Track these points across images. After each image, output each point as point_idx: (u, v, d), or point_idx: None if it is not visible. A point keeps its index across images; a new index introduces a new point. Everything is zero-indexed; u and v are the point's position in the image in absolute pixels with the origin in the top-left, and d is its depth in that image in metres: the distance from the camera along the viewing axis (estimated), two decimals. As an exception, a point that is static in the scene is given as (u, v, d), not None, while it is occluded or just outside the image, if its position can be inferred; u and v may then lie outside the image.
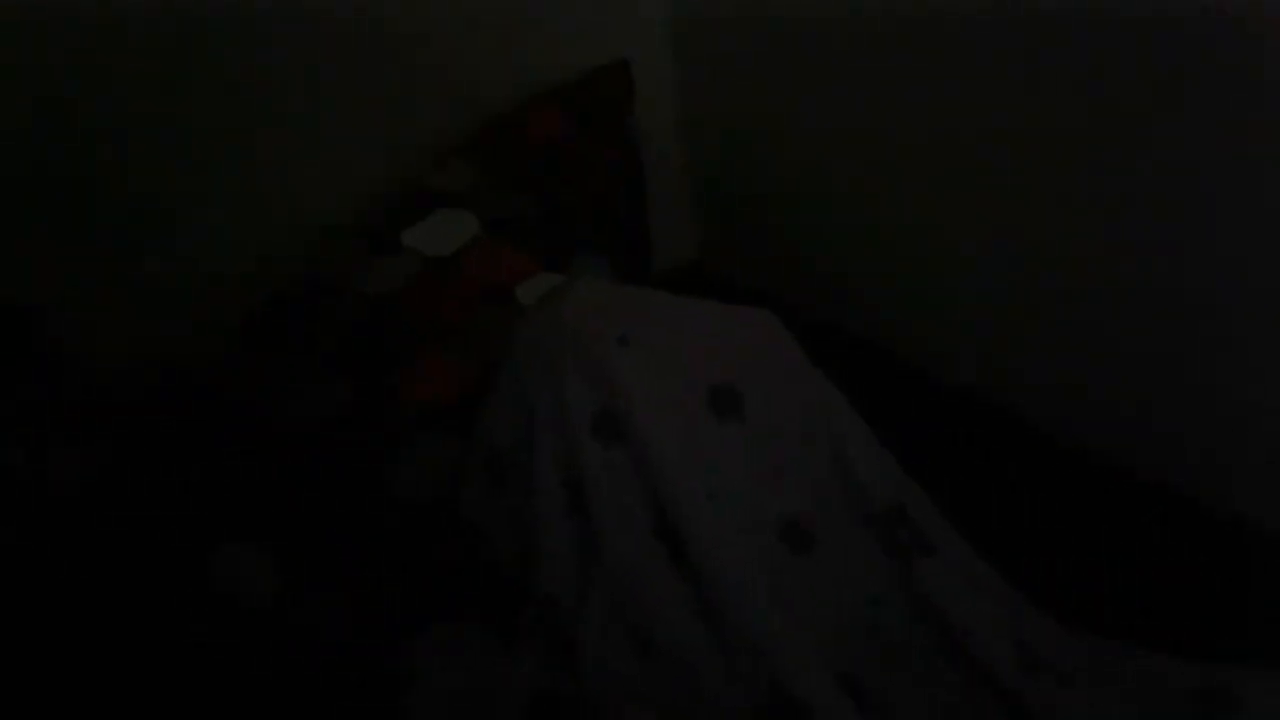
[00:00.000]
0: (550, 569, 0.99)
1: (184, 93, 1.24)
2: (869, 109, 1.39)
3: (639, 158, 1.47)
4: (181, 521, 1.03)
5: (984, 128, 1.25)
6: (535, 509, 1.00)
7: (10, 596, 1.00)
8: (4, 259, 1.18)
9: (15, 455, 1.10)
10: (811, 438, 1.02)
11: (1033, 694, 0.90)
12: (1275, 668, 0.92)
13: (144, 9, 1.15)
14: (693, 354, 1.03)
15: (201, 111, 1.25)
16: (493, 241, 1.23)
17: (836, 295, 1.53)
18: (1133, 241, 1.14)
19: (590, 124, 1.41)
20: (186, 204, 1.28)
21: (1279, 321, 1.05)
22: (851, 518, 1.00)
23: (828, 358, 1.09)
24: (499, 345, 1.11)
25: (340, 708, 0.99)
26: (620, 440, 0.98)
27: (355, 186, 1.39)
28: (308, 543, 1.02)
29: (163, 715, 0.97)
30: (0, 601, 0.99)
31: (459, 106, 1.43)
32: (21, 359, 1.18)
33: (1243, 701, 0.88)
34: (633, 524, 0.97)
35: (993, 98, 1.23)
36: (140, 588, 1.02)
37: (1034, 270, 1.26)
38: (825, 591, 0.97)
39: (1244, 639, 0.96)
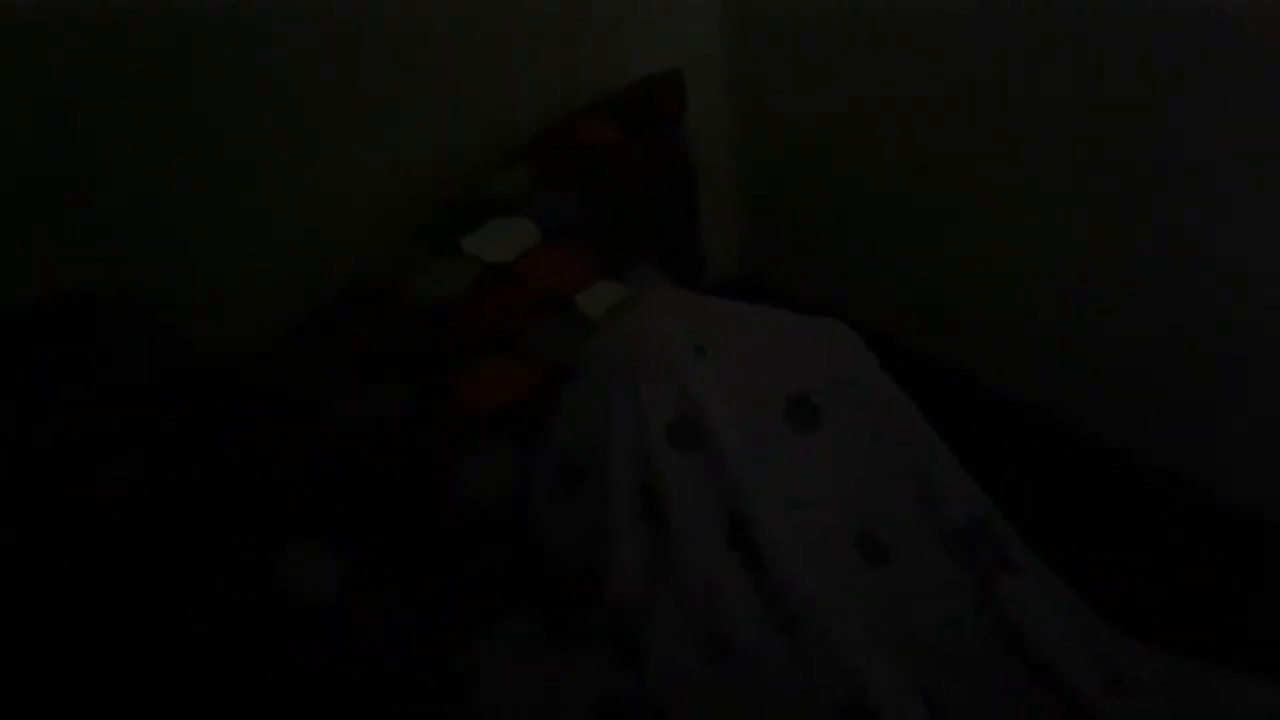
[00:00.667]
0: (620, 573, 0.99)
1: (242, 95, 1.25)
2: (925, 118, 1.39)
3: (691, 167, 1.48)
4: (245, 520, 1.05)
5: (1044, 138, 1.26)
6: (608, 513, 1.00)
7: (74, 592, 1.01)
8: (59, 252, 1.20)
9: (79, 451, 1.12)
10: (889, 451, 1.02)
11: (1119, 715, 0.89)
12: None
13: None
14: (769, 364, 1.04)
15: (260, 114, 1.27)
16: (551, 249, 1.24)
17: (890, 307, 1.53)
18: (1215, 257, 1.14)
19: (643, 132, 1.41)
20: (240, 205, 1.30)
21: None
22: (930, 532, 1.00)
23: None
24: (560, 352, 1.12)
25: (404, 707, 0.99)
26: (698, 448, 0.99)
27: (407, 190, 1.40)
28: (371, 543, 1.03)
29: (226, 713, 0.98)
30: (64, 598, 1.01)
31: (513, 114, 1.44)
32: (83, 353, 1.21)
33: None
34: (708, 531, 0.97)
35: (1053, 109, 1.23)
36: (203, 586, 1.03)
37: (1099, 283, 1.26)
38: (901, 604, 0.97)
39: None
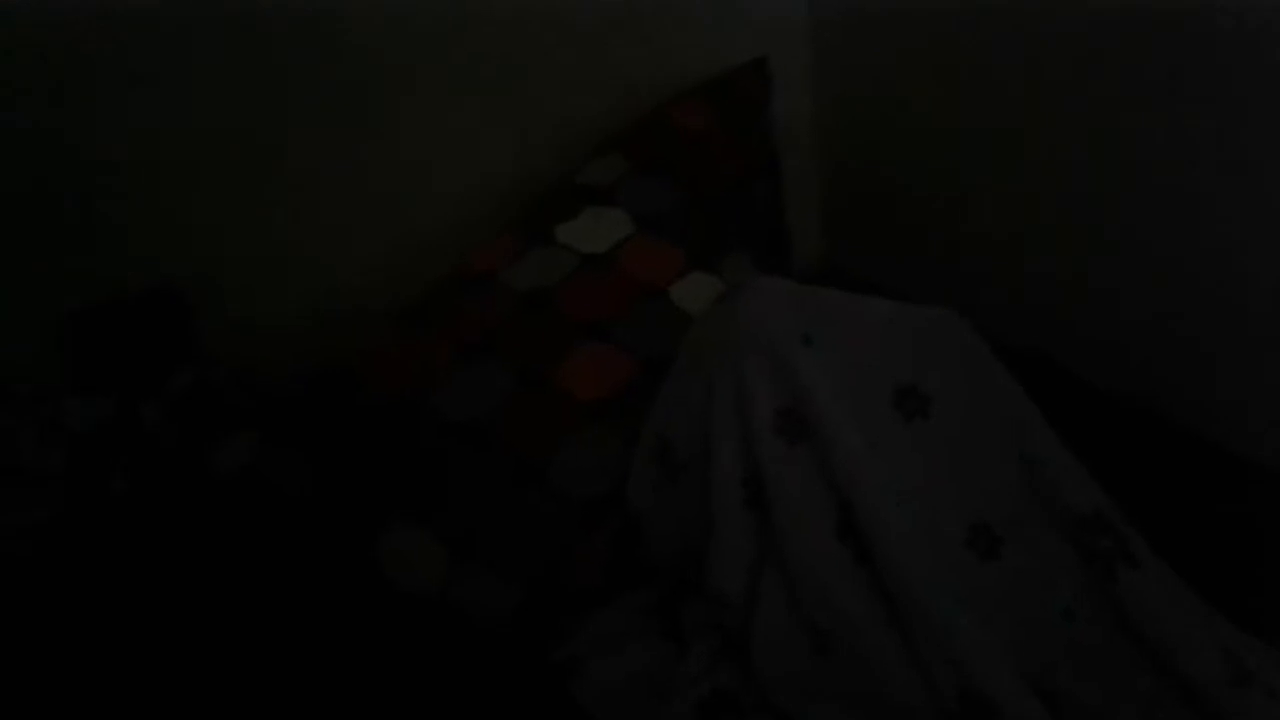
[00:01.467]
0: (722, 564, 0.99)
1: (335, 86, 1.28)
2: (1008, 103, 1.38)
3: (776, 154, 1.47)
4: (349, 506, 1.07)
5: (1122, 129, 1.24)
6: (712, 503, 1.00)
7: (181, 577, 1.04)
8: (163, 239, 1.22)
9: (184, 438, 1.15)
10: (1001, 440, 1.01)
11: (1247, 709, 0.88)
12: None
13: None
14: (877, 353, 1.03)
15: (351, 105, 1.29)
16: (645, 240, 1.24)
17: (973, 296, 1.51)
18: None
19: (731, 121, 1.41)
20: (327, 195, 1.32)
21: None
22: (1046, 523, 0.98)
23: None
24: (657, 343, 1.13)
25: (507, 695, 1.00)
26: (805, 438, 0.98)
27: (499, 181, 1.41)
28: (473, 529, 1.04)
29: (331, 696, 1.00)
30: (172, 582, 1.04)
31: (603, 104, 1.44)
32: (181, 342, 1.23)
33: None
34: (815, 522, 0.97)
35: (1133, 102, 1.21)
36: (309, 571, 1.06)
37: (1192, 271, 1.24)
38: (1016, 597, 0.95)
39: None
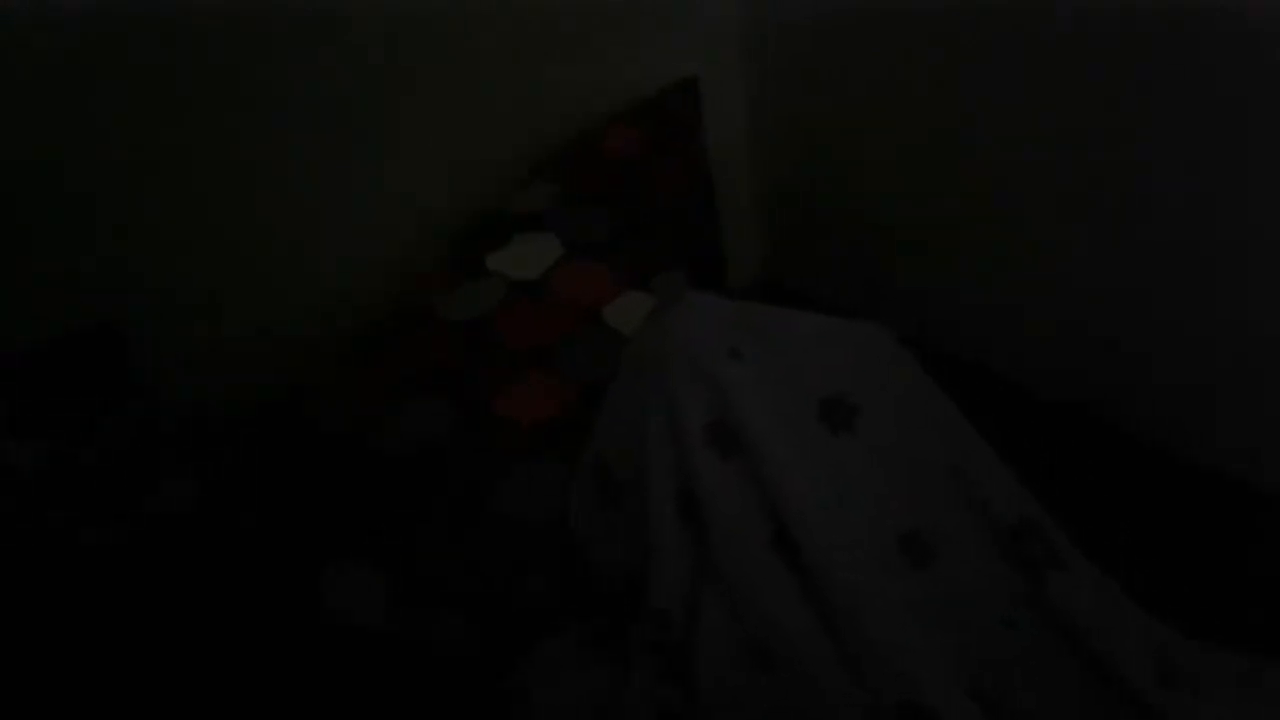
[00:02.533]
0: (662, 581, 0.99)
1: (251, 111, 1.23)
2: (942, 120, 1.40)
3: (709, 173, 1.49)
4: (290, 540, 1.06)
5: (1069, 137, 1.26)
6: (648, 521, 1.01)
7: (122, 613, 1.02)
8: (87, 277, 1.18)
9: (122, 476, 1.14)
10: (930, 451, 1.02)
11: (1175, 709, 0.89)
12: None
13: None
14: (804, 367, 1.04)
15: (280, 132, 1.26)
16: (577, 263, 1.25)
17: (915, 309, 1.53)
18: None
19: (662, 141, 1.42)
20: (258, 232, 1.29)
21: None
22: (976, 531, 1.00)
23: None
24: (593, 367, 1.14)
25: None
26: (736, 451, 0.99)
27: (428, 210, 1.40)
28: (416, 561, 1.04)
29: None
30: (112, 618, 1.02)
31: (529, 125, 1.45)
32: (118, 382, 1.22)
33: None
34: (749, 534, 0.97)
35: (1074, 109, 1.23)
36: (251, 605, 1.05)
37: (1123, 282, 1.26)
38: (950, 604, 0.96)
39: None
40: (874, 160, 1.53)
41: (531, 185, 1.34)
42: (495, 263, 1.24)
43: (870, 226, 1.57)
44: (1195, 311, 1.22)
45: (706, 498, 0.99)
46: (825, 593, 0.94)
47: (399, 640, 1.03)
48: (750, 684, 0.95)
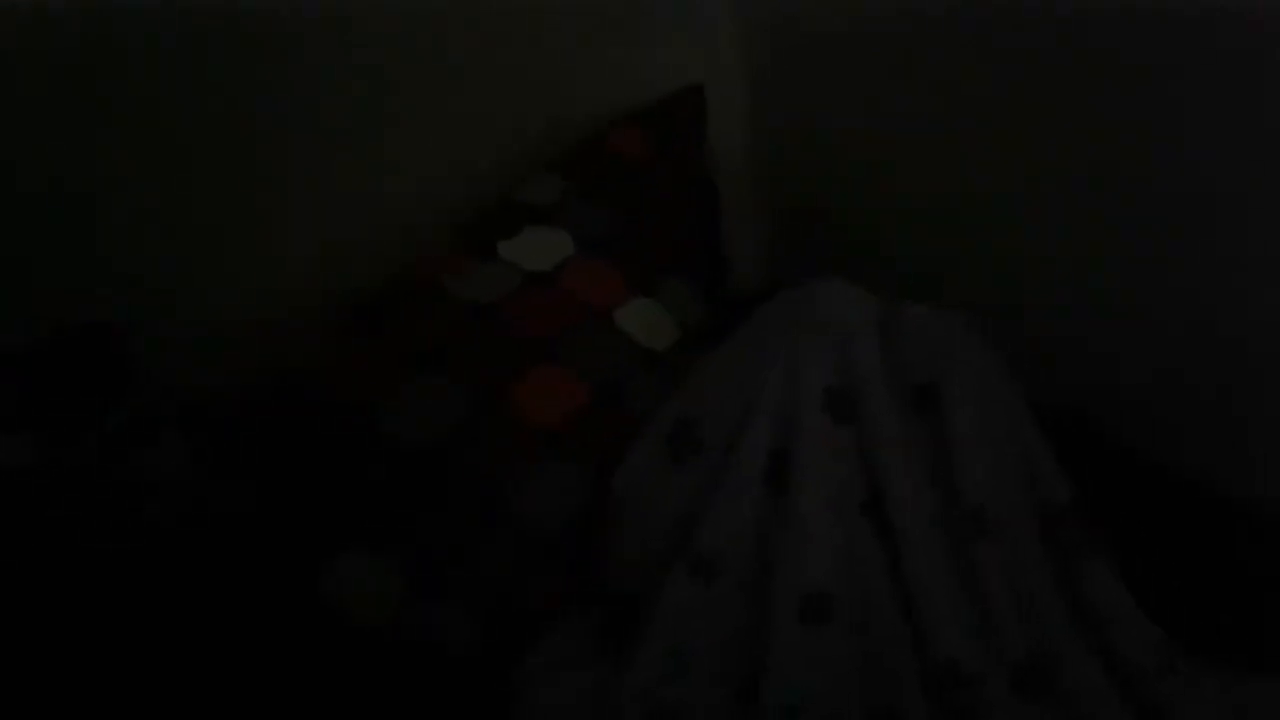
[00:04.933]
0: (719, 526, 1.02)
1: (260, 103, 1.23)
2: (946, 125, 1.41)
3: (713, 180, 1.49)
4: (296, 532, 1.02)
5: (1074, 143, 1.28)
6: (728, 470, 1.03)
7: (117, 603, 0.98)
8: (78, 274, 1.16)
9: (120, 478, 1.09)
10: (1001, 432, 1.07)
11: (1179, 697, 0.95)
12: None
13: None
14: (906, 349, 1.08)
15: (280, 132, 1.25)
16: (587, 262, 1.23)
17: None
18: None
19: (668, 147, 1.42)
20: (269, 207, 1.27)
21: None
22: (1028, 512, 1.05)
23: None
24: (605, 368, 1.15)
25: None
26: (850, 420, 1.04)
27: (437, 195, 1.38)
28: (433, 559, 1.01)
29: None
30: (105, 608, 0.97)
31: (532, 125, 1.44)
32: (114, 377, 1.16)
33: None
34: (844, 497, 1.02)
35: (1080, 115, 1.25)
36: (251, 605, 1.00)
37: (1129, 286, 1.29)
38: (993, 577, 1.01)
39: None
40: (874, 167, 1.54)
41: (541, 179, 1.33)
42: (507, 251, 1.21)
43: (871, 235, 1.58)
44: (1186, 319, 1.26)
45: (807, 457, 1.02)
46: (907, 560, 0.99)
47: (400, 639, 1.00)
48: (810, 634, 0.98)
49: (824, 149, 1.61)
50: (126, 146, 1.15)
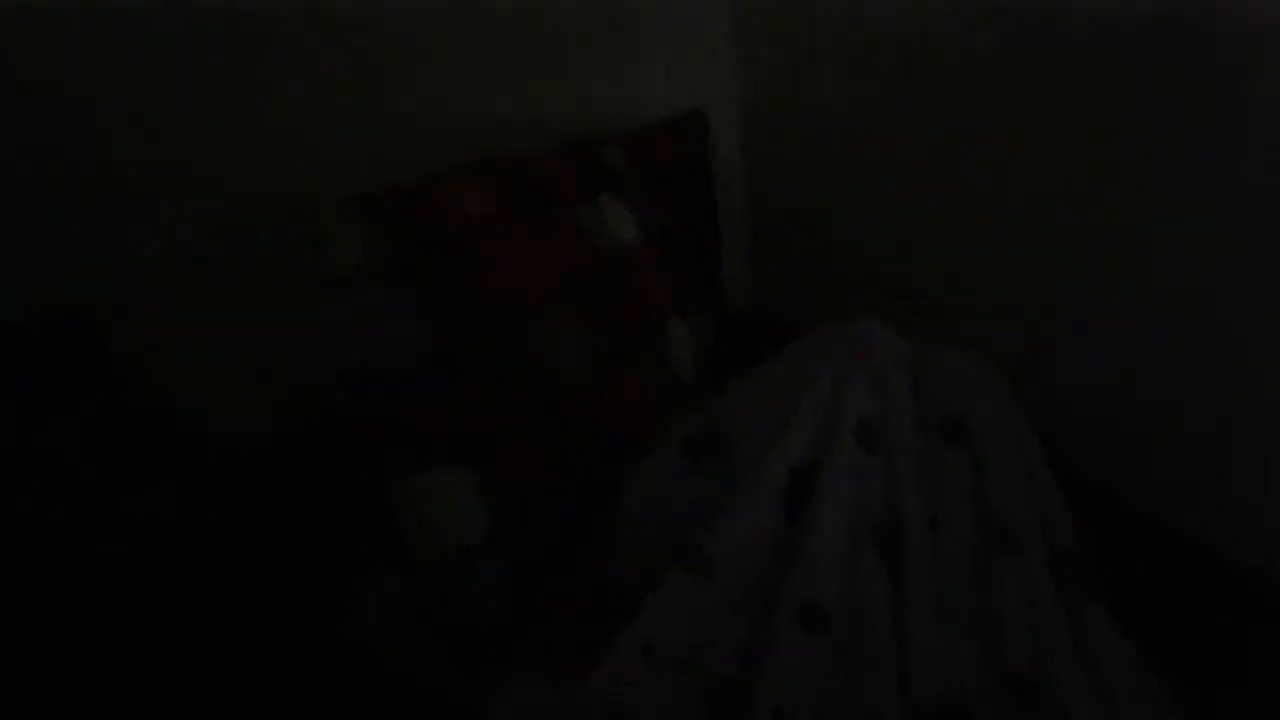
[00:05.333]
0: (732, 530, 1.05)
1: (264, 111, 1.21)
2: (932, 154, 1.45)
3: (715, 204, 1.53)
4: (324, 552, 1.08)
5: (1059, 172, 1.30)
6: (746, 479, 1.07)
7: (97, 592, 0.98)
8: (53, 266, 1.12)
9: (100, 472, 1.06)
10: (1018, 469, 1.12)
11: None
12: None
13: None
14: (935, 384, 1.14)
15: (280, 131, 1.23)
16: (650, 253, 1.27)
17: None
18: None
19: (677, 169, 1.46)
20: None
21: None
22: (1038, 549, 1.09)
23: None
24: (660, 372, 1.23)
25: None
26: (876, 449, 1.09)
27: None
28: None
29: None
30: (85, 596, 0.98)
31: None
32: (91, 368, 1.13)
33: None
34: (859, 517, 1.06)
35: (1066, 142, 1.29)
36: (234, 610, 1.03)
37: (1109, 309, 1.31)
38: (1010, 590, 1.06)
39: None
40: (861, 194, 1.58)
41: (604, 146, 1.34)
42: (602, 206, 1.24)
43: (856, 267, 1.62)
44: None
45: (833, 476, 1.07)
46: (909, 585, 1.04)
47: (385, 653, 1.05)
48: (809, 639, 1.02)
49: (813, 175, 1.65)
50: (126, 146, 1.14)
